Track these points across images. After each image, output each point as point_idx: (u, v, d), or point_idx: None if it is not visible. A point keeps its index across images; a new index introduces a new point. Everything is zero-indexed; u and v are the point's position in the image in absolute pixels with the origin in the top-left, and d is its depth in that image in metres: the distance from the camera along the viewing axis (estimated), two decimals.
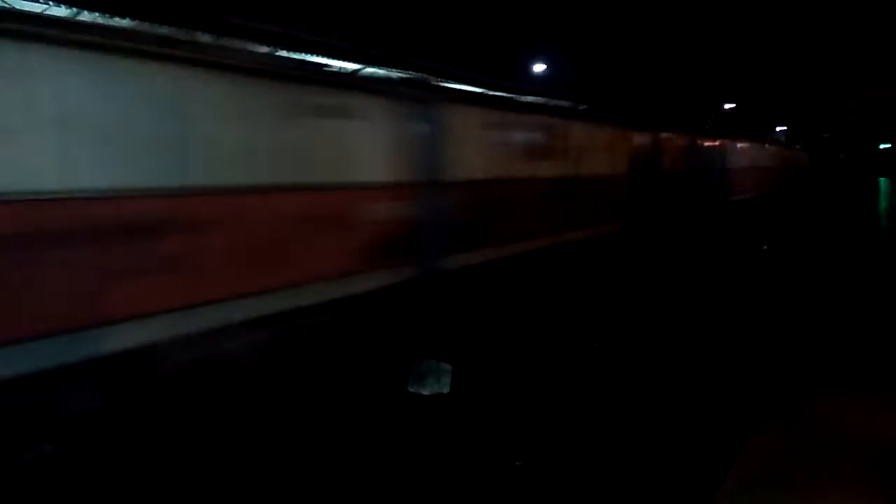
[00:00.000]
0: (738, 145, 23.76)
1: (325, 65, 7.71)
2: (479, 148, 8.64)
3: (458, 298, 7.89)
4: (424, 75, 8.92)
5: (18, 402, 4.37)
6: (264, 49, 6.80)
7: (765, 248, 15.92)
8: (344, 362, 6.30)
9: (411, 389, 6.31)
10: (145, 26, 5.60)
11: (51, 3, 5.00)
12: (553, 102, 12.19)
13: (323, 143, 6.46)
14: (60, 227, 4.47)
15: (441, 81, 9.49)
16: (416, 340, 7.04)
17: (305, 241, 6.21)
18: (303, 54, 7.47)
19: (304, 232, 6.20)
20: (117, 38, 4.91)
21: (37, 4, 4.96)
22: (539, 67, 20.42)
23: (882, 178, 49.09)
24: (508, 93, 11.19)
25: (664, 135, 15.63)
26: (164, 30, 5.78)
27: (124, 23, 5.50)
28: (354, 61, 8.14)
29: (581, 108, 12.38)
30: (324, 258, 6.39)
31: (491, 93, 10.25)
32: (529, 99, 11.88)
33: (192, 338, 5.18)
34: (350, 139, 6.77)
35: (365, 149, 6.96)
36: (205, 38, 6.21)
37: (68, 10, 5.25)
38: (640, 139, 13.85)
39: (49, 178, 4.39)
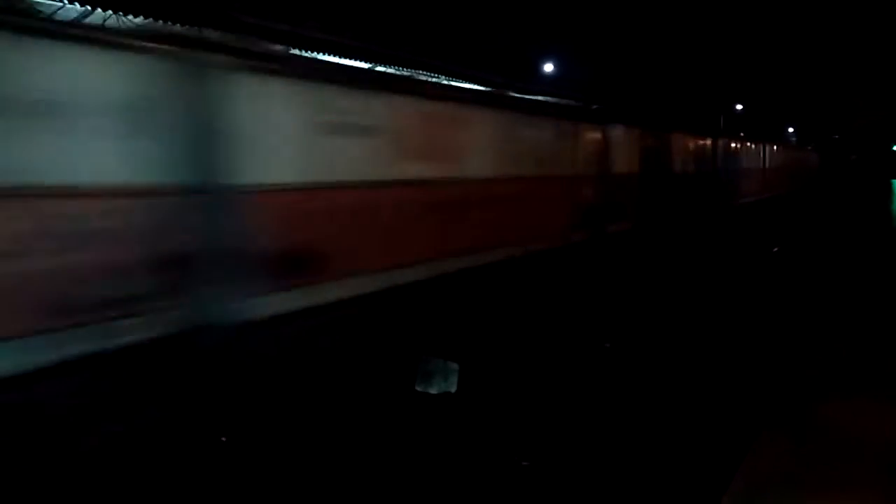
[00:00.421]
0: (749, 146, 24.10)
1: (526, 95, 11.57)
2: (622, 151, 12.80)
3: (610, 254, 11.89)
4: (443, 76, 9.18)
5: None
6: (277, 47, 6.83)
7: (775, 249, 15.84)
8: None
9: (418, 388, 6.32)
10: (158, 24, 5.62)
11: (65, 1, 5.02)
12: (563, 102, 12.29)
13: (562, 150, 10.59)
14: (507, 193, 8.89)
15: (451, 81, 9.54)
16: (590, 278, 10.63)
17: (555, 209, 10.30)
18: (313, 53, 7.50)
19: (556, 203, 10.34)
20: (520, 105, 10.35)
21: (52, 3, 5.01)
22: (549, 67, 20.39)
23: (894, 180, 48.71)
24: (518, 92, 11.20)
25: (674, 135, 15.84)
26: (176, 28, 5.80)
27: (137, 21, 5.53)
28: (365, 60, 8.16)
29: (594, 107, 12.43)
30: (558, 221, 10.36)
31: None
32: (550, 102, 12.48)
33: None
34: (569, 147, 10.91)
35: (575, 152, 11.05)
36: (215, 35, 6.23)
37: (81, 9, 5.28)
38: (651, 139, 14.40)
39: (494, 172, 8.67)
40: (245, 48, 5.85)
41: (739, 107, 31.80)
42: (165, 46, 4.77)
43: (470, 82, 10.37)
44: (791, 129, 45.44)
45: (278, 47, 7.34)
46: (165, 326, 4.52)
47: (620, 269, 11.55)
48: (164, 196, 4.62)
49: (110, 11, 5.46)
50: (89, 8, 5.35)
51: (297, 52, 7.35)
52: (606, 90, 15.56)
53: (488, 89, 10.43)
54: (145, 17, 5.55)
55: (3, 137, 3.89)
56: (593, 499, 4.66)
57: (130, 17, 5.60)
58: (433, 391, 6.16)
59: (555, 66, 20.20)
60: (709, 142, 19.23)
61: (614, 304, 9.64)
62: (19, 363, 3.90)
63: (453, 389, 5.88)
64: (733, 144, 21.90)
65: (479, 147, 8.35)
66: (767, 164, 26.70)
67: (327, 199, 5.90)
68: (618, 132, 12.68)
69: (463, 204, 7.94)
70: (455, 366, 6.20)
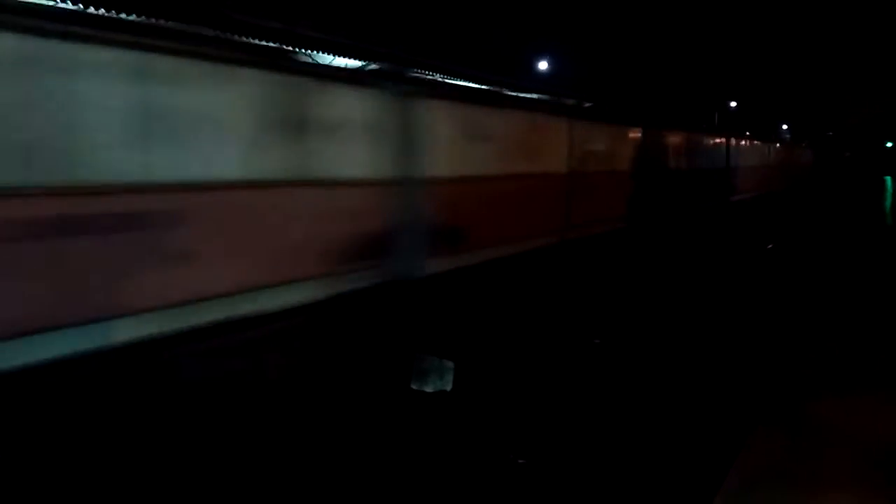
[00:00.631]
0: (744, 143, 24.54)
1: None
2: (657, 151, 14.93)
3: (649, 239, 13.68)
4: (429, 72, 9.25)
5: None
6: (269, 45, 6.83)
7: (770, 246, 15.89)
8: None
9: (414, 387, 6.31)
10: (150, 21, 5.60)
11: (57, 0, 5.00)
12: (555, 100, 12.34)
13: (618, 151, 12.98)
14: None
15: (446, 78, 9.56)
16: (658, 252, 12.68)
17: (621, 196, 12.73)
18: (306, 51, 7.48)
19: (620, 191, 12.80)
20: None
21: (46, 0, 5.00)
22: (543, 65, 20.38)
23: (887, 177, 48.91)
24: (512, 90, 11.19)
25: (668, 132, 15.95)
26: (168, 24, 5.78)
27: (130, 18, 5.49)
28: (358, 58, 8.15)
29: (586, 105, 12.45)
30: (613, 210, 12.52)
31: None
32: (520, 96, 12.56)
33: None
34: (623, 148, 13.42)
35: (626, 153, 13.27)
36: (208, 33, 6.21)
37: (74, 7, 5.24)
38: (644, 137, 14.55)
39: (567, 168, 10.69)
40: (423, 79, 8.66)
41: (733, 104, 31.87)
42: (382, 81, 6.84)
43: (465, 80, 10.35)
44: (785, 126, 45.51)
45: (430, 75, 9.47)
46: (380, 277, 6.39)
47: (655, 251, 13.10)
48: (382, 186, 6.53)
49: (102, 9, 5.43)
50: (81, 6, 5.32)
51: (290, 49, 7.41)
52: (614, 93, 16.27)
53: (561, 99, 12.10)
54: (138, 15, 5.53)
55: (309, 147, 5.71)
56: (589, 495, 4.67)
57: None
58: (428, 389, 6.15)
59: (549, 64, 20.19)
60: (723, 141, 21.20)
61: (611, 299, 9.67)
62: (308, 297, 5.64)
63: (448, 388, 5.88)
64: (742, 143, 23.46)
65: (558, 149, 10.36)
66: (768, 163, 28.10)
67: (467, 188, 7.96)
68: (653, 135, 14.59)
69: (548, 193, 9.91)
70: (450, 363, 6.21)
